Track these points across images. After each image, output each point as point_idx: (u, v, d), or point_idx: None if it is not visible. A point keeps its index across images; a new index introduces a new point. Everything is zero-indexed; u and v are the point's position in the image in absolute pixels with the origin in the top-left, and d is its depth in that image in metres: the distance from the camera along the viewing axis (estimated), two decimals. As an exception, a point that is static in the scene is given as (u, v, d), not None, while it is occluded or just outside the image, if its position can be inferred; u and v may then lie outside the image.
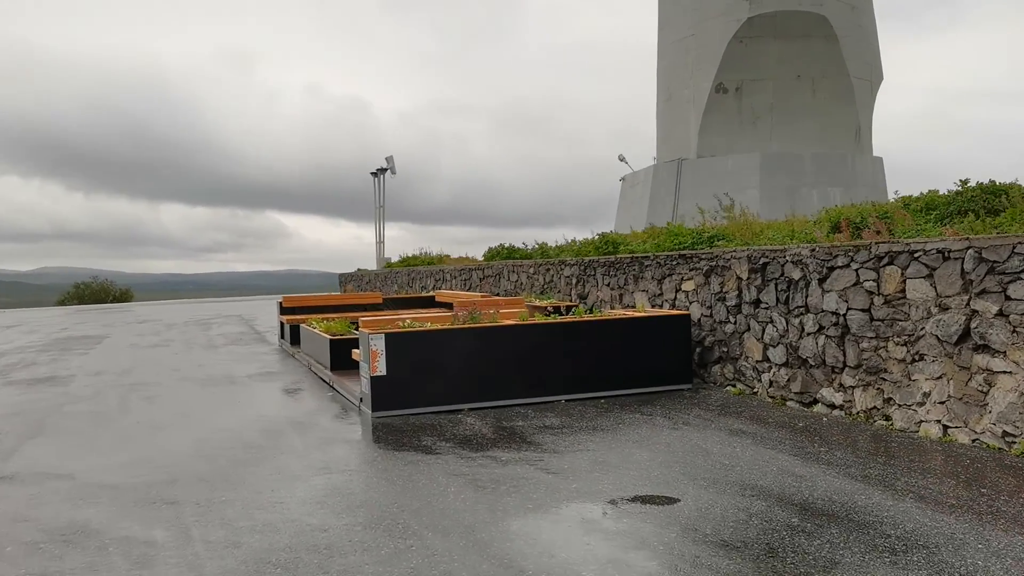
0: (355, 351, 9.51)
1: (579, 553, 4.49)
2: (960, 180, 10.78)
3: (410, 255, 27.97)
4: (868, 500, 5.31)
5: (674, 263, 10.57)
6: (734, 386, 9.48)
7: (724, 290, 9.61)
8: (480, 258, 22.12)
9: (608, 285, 12.25)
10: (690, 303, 10.28)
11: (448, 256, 25.38)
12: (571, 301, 13.02)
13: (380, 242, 33.98)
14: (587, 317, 9.55)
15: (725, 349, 9.64)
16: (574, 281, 13.23)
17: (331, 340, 11.42)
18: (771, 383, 8.87)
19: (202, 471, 6.53)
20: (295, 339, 15.34)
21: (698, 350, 10.06)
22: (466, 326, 9.03)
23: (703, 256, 9.99)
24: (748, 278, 9.17)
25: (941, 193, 10.91)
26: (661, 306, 10.83)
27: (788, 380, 8.61)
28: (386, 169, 33.41)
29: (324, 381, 11.30)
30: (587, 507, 5.34)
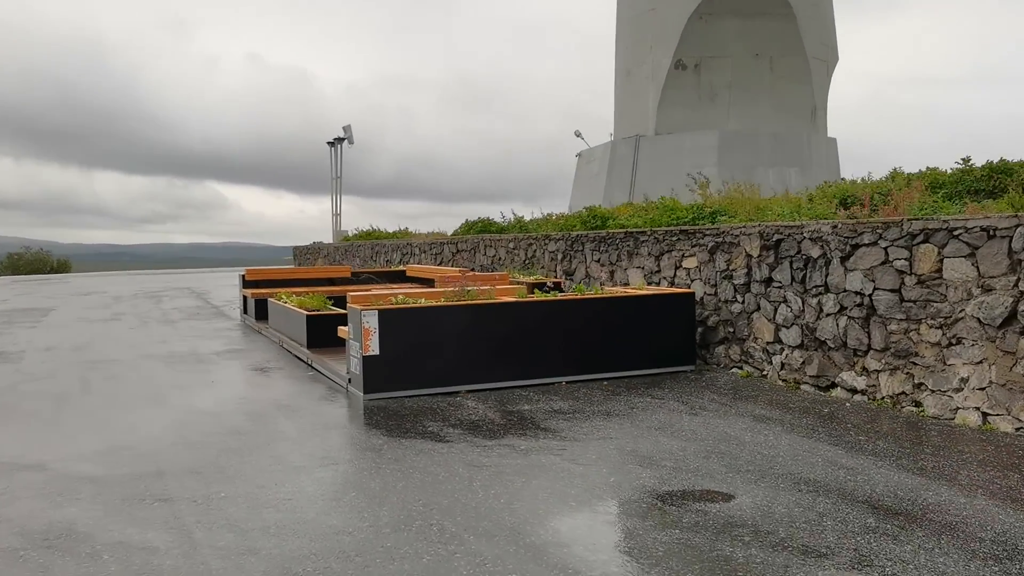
0: (342, 328, 8.86)
1: (653, 561, 3.98)
2: (962, 159, 10.50)
3: (366, 229, 27.17)
4: (938, 497, 4.90)
5: (674, 239, 10.11)
6: (741, 368, 9.07)
7: (731, 268, 9.17)
8: (448, 232, 21.48)
9: (598, 261, 11.75)
10: (691, 281, 9.83)
11: (409, 231, 24.67)
12: (556, 277, 12.51)
13: (337, 214, 33.06)
14: (589, 295, 9.04)
15: (731, 329, 9.22)
16: (559, 256, 12.71)
17: (308, 316, 10.73)
18: (783, 365, 8.48)
19: (191, 461, 5.88)
20: (261, 314, 14.57)
21: (700, 330, 9.63)
22: (464, 302, 8.45)
23: (707, 232, 9.53)
24: (759, 255, 8.74)
25: (944, 171, 10.62)
26: (659, 283, 10.37)
27: (803, 363, 8.22)
28: (344, 139, 32.41)
29: (300, 359, 10.63)
30: (636, 505, 4.84)
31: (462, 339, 8.37)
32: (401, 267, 17.41)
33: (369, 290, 11.30)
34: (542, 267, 13.16)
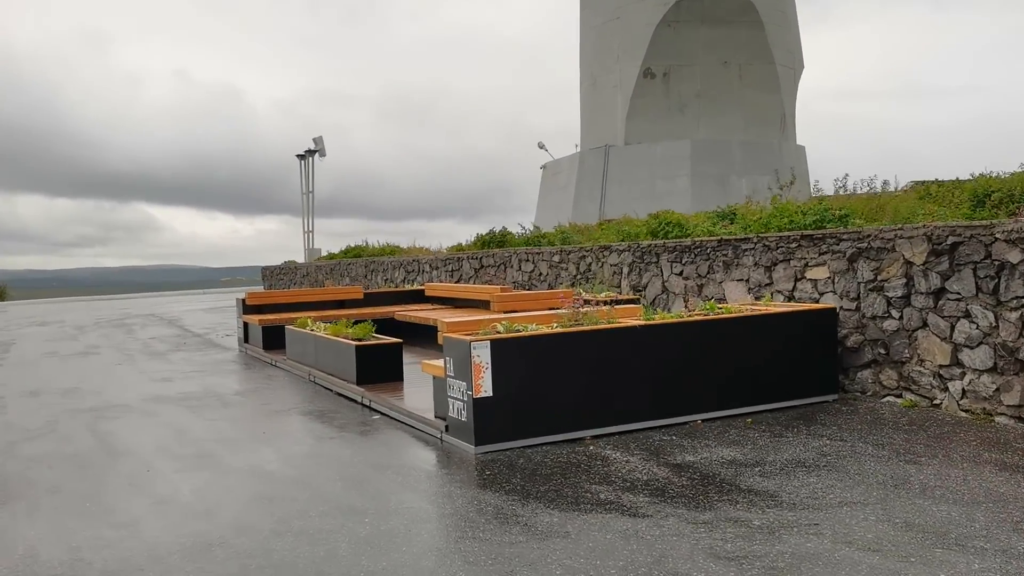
0: (431, 364, 7.22)
1: None
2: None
3: (353, 246, 25.35)
4: None
5: (792, 245, 8.68)
6: (900, 396, 7.66)
7: (881, 278, 7.77)
8: (444, 248, 19.89)
9: (680, 274, 10.28)
10: (820, 295, 8.41)
11: (399, 247, 22.95)
12: (622, 293, 11.00)
13: (309, 231, 31.09)
14: (724, 315, 7.55)
15: (882, 351, 7.80)
16: (625, 270, 11.20)
17: (357, 347, 9.04)
18: (965, 393, 7.08)
19: (323, 563, 4.20)
20: (272, 343, 12.79)
21: (838, 351, 8.20)
22: (587, 328, 6.88)
23: (844, 236, 8.12)
24: (925, 262, 7.35)
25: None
26: (771, 298, 8.93)
27: (997, 389, 6.83)
28: (315, 151, 30.52)
29: (347, 398, 8.93)
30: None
31: (585, 373, 6.81)
32: (416, 286, 15.72)
33: (462, 316, 9.71)
34: (600, 282, 11.64)
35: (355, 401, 8.81)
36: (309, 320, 11.41)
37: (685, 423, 7.18)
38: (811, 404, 7.75)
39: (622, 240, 11.90)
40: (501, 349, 6.47)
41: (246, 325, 13.85)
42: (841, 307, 8.14)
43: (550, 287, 12.80)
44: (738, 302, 8.70)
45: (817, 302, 8.39)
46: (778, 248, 8.86)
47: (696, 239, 10.04)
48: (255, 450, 6.74)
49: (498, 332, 6.70)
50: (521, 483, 5.56)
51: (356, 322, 10.13)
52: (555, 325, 7.05)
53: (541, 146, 34.51)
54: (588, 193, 28.87)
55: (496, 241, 15.20)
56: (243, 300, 13.96)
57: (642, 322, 7.13)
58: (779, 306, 8.03)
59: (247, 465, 6.26)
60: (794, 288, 8.70)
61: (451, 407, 6.71)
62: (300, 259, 30.57)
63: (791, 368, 7.70)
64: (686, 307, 9.78)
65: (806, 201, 10.26)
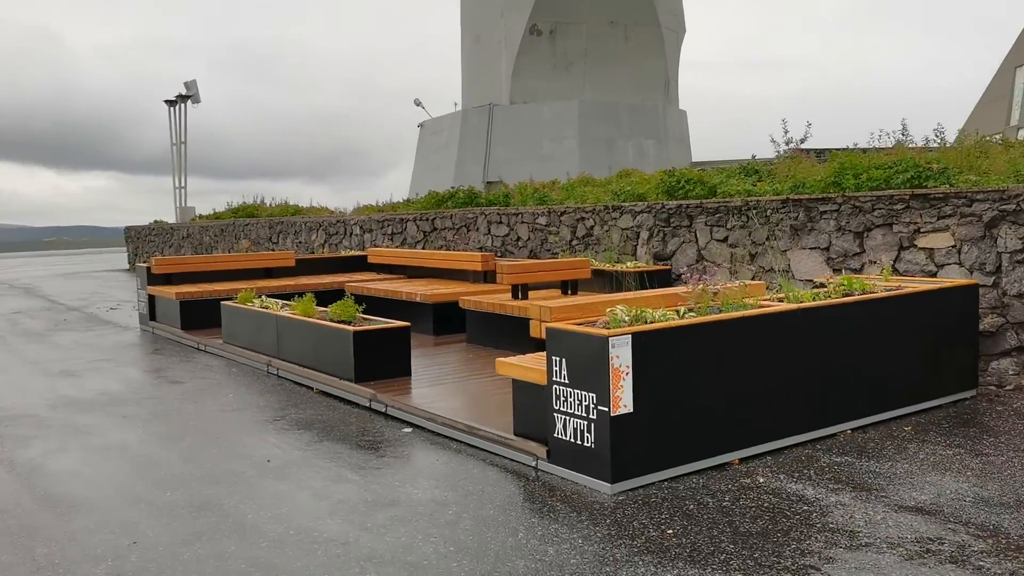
0: (508, 361, 5.23)
1: None
2: None
3: (239, 204, 22.40)
4: None
5: (898, 207, 7.15)
6: (1059, 392, 6.29)
7: (1035, 247, 6.34)
8: (348, 209, 17.52)
9: (724, 240, 8.61)
10: (939, 267, 6.93)
11: (301, 207, 20.30)
12: (642, 264, 9.26)
13: (181, 187, 27.63)
14: (879, 294, 5.90)
15: (1033, 336, 6.41)
16: (644, 235, 9.43)
17: (356, 333, 6.90)
18: None
19: None
20: (192, 322, 10.36)
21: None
22: (739, 315, 5.07)
23: (978, 196, 6.64)
24: (1106, 229, 5.96)
25: None
26: (860, 271, 7.41)
27: None
28: (188, 96, 27.06)
29: (339, 398, 6.82)
30: None
31: (731, 373, 5.03)
32: (354, 252, 13.45)
33: (562, 300, 7.71)
34: (605, 249, 9.84)
35: (354, 404, 6.71)
36: (252, 294, 9.09)
37: (833, 435, 5.54)
38: (953, 403, 6.28)
39: (622, 201, 10.12)
40: (645, 346, 4.59)
41: (153, 298, 11.26)
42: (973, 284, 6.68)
43: (533, 255, 10.90)
44: (840, 277, 7.12)
45: (934, 276, 6.91)
46: (875, 210, 7.31)
47: (750, 198, 8.38)
48: (280, 499, 4.59)
49: (623, 321, 4.80)
50: (713, 550, 3.74)
51: (312, 296, 7.93)
52: (683, 310, 5.20)
53: (418, 103, 32.34)
54: (472, 154, 27.18)
55: (460, 200, 13.09)
56: (148, 268, 11.34)
57: (796, 305, 5.39)
58: (918, 282, 6.47)
59: (277, 529, 4.14)
60: (897, 259, 7.19)
61: (561, 426, 4.78)
62: (168, 219, 27.20)
63: (935, 359, 6.19)
64: (732, 279, 8.09)
65: (886, 153, 8.74)
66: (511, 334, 8.23)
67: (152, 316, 11.30)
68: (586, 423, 4.62)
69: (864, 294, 5.84)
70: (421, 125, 30.96)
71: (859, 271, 7.39)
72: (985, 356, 6.67)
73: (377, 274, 12.08)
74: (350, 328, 6.94)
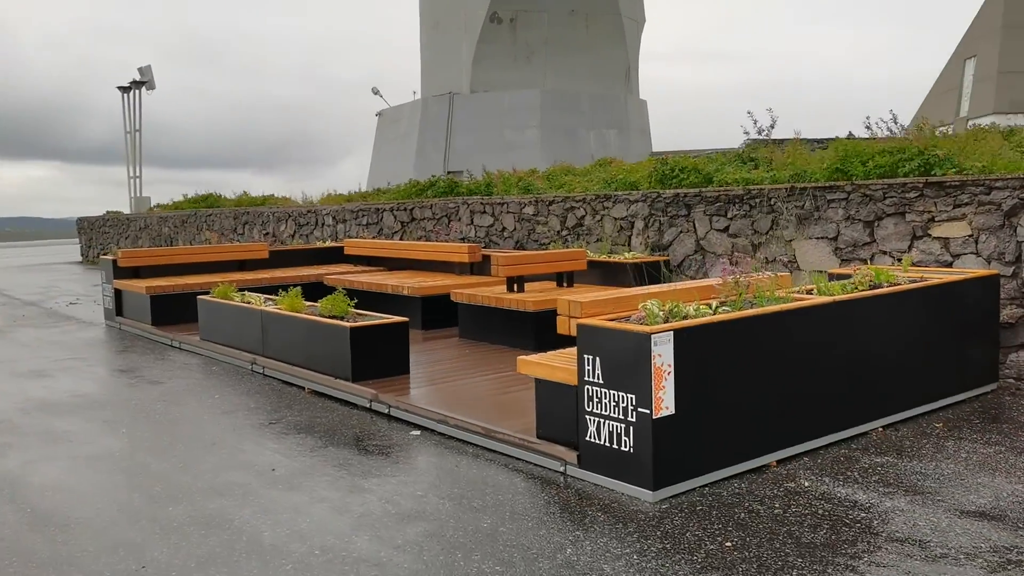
0: (530, 360, 4.91)
1: None
2: None
3: (199, 195, 21.69)
4: None
5: (911, 195, 6.96)
6: (1083, 385, 6.15)
7: (1057, 236, 6.19)
8: (316, 199, 17.00)
9: (724, 230, 8.37)
10: (954, 257, 6.76)
11: (268, 197, 19.69)
12: (638, 254, 8.98)
13: (136, 176, 26.75)
14: (911, 285, 5.69)
15: (1054, 328, 6.26)
16: (639, 225, 9.15)
17: (353, 329, 6.51)
18: None
19: None
20: (164, 318, 9.88)
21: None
22: (778, 309, 4.81)
23: (997, 184, 6.47)
24: None
25: None
26: (869, 261, 7.21)
27: None
28: (143, 83, 26.18)
29: (336, 399, 6.45)
30: None
31: (767, 371, 4.77)
32: (329, 244, 12.99)
33: (573, 292, 7.34)
34: (598, 239, 9.56)
35: (352, 405, 6.33)
36: (231, 288, 8.63)
37: (864, 433, 5.31)
38: (976, 397, 6.11)
39: (615, 190, 9.84)
40: (686, 343, 4.30)
41: (119, 293, 10.71)
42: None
43: (519, 246, 10.57)
44: (853, 268, 6.91)
45: (950, 266, 6.74)
46: (886, 199, 7.11)
47: (752, 187, 8.14)
48: (304, 513, 4.22)
49: (658, 317, 4.50)
50: (782, 564, 3.47)
51: (299, 288, 7.50)
52: (715, 304, 4.92)
53: (376, 92, 31.76)
54: (432, 143, 26.76)
55: (441, 189, 12.68)
56: (114, 261, 10.78)
57: (831, 298, 5.14)
58: (938, 273, 6.28)
59: (321, 549, 3.78)
60: (909, 248, 7.00)
61: (594, 429, 4.47)
62: (123, 210, 26.33)
63: (959, 352, 6.01)
64: (725, 273, 7.82)
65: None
66: (507, 328, 7.92)
67: (119, 311, 10.75)
68: (624, 426, 4.31)
69: (893, 285, 5.62)
70: (379, 114, 30.39)
71: (868, 261, 7.19)
72: (1004, 348, 6.51)
73: (355, 266, 11.66)
74: (346, 324, 6.56)
